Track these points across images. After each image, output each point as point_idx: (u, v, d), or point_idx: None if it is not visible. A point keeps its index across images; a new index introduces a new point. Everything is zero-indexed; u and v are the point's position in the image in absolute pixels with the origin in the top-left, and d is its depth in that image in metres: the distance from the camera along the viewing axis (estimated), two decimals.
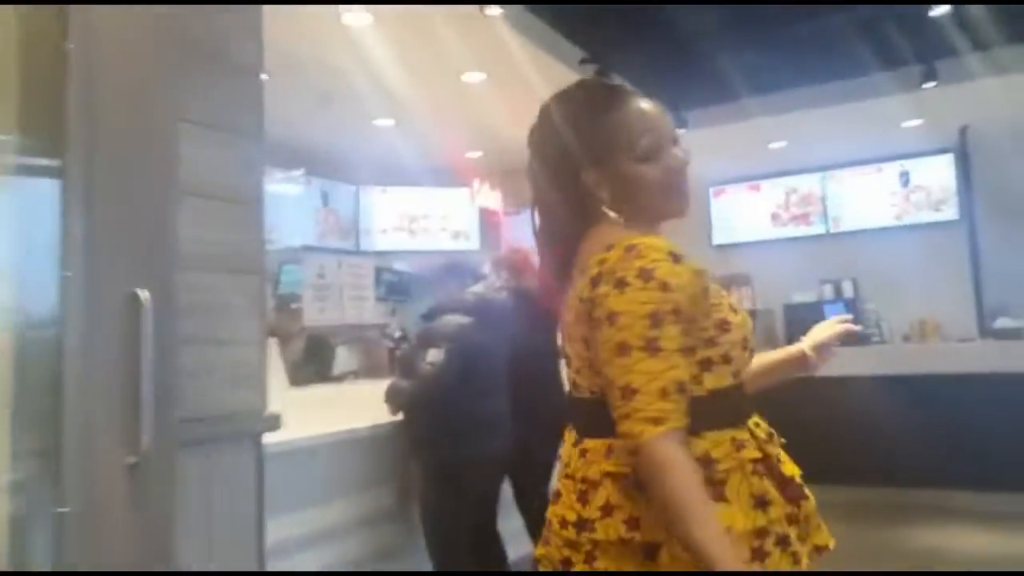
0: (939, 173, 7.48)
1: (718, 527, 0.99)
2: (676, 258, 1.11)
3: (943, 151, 7.35)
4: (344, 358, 4.02)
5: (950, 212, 7.41)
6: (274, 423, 2.10)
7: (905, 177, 7.62)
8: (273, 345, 3.37)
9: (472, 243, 7.98)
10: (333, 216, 7.42)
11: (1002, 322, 5.55)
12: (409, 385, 2.91)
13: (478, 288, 3.03)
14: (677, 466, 0.99)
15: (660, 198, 1.22)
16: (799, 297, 7.76)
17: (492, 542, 3.19)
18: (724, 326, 1.15)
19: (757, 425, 1.19)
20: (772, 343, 7.85)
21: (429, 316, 3.06)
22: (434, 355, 2.84)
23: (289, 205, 6.94)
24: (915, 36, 4.83)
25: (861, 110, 6.17)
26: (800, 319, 7.63)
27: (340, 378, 4.07)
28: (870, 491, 5.31)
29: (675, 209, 1.24)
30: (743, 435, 1.14)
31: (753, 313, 7.82)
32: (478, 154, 7.15)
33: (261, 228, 2.21)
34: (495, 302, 3.00)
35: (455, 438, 2.86)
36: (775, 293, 7.87)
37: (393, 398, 2.97)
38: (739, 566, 0.98)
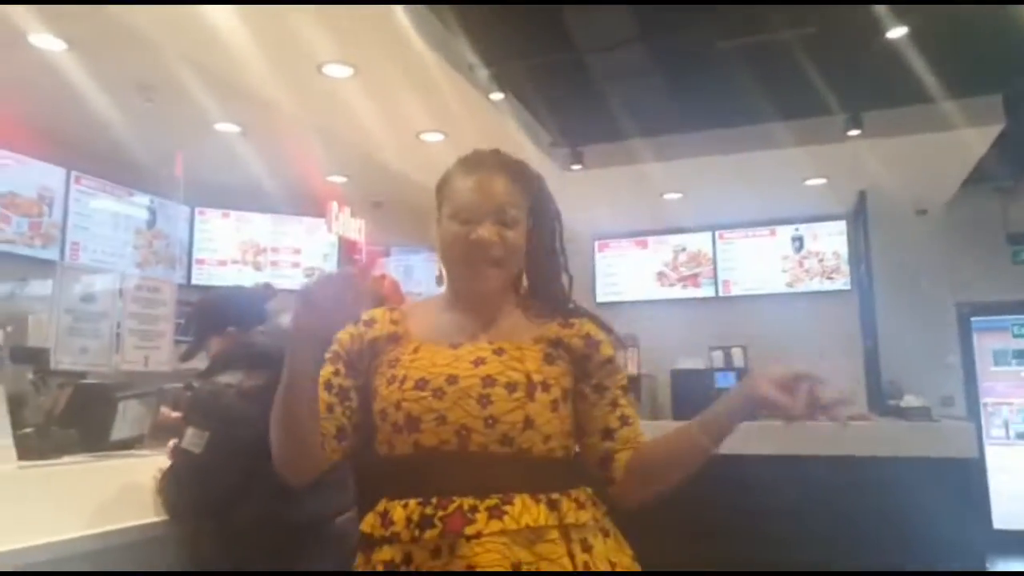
0: (832, 239, 7.18)
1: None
2: (357, 323, 1.29)
3: (837, 217, 7.05)
4: (130, 419, 2.89)
5: (842, 281, 7.09)
6: None
7: (798, 242, 7.27)
8: None
9: None
10: (160, 241, 6.18)
11: (908, 400, 5.09)
12: (161, 480, 1.92)
13: (283, 322, 2.05)
14: None
15: (452, 261, 1.27)
16: (687, 363, 7.18)
17: None
18: (373, 395, 1.23)
19: (404, 505, 1.16)
20: (657, 412, 7.23)
21: (204, 375, 2.07)
22: (191, 437, 1.85)
23: (103, 222, 5.69)
24: (843, 80, 4.37)
25: (761, 162, 5.71)
26: (687, 386, 7.05)
27: (124, 445, 2.93)
28: None
29: (462, 276, 1.27)
30: (391, 508, 1.17)
31: (637, 378, 7.18)
32: (342, 179, 6.17)
33: None
34: None
35: (241, 562, 1.86)
36: (661, 357, 7.24)
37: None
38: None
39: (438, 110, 4.46)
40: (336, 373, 1.28)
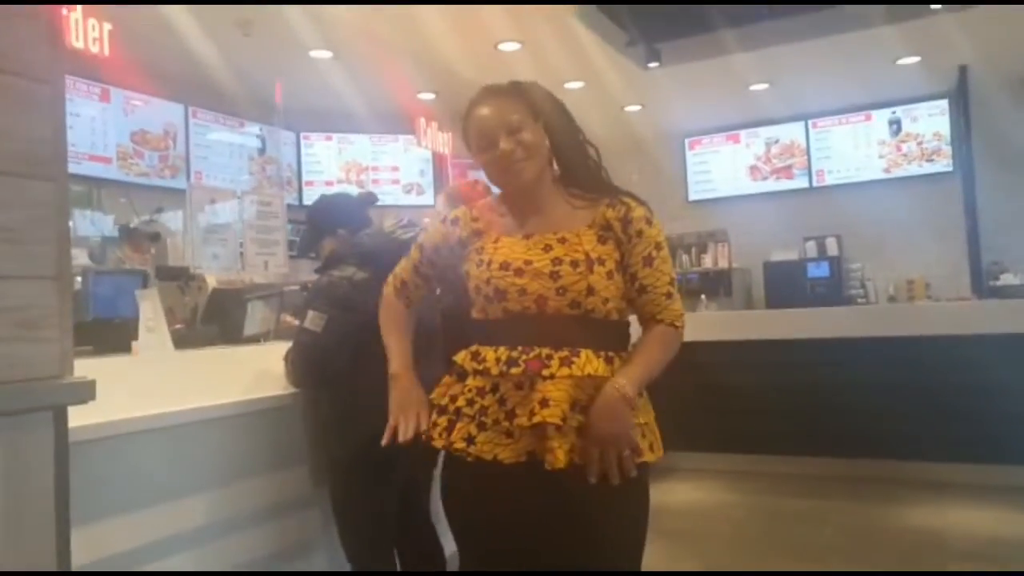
0: (933, 120, 6.94)
1: (393, 342, 1.68)
2: (444, 221, 1.65)
3: (938, 96, 6.79)
4: (258, 318, 3.36)
5: (943, 163, 6.88)
6: (83, 392, 1.45)
7: (896, 125, 7.06)
8: (152, 296, 2.72)
9: (427, 198, 7.32)
10: (272, 166, 6.71)
11: (1006, 279, 5.03)
12: (287, 355, 2.29)
13: (385, 226, 2.36)
14: (383, 305, 1.73)
15: (495, 178, 1.56)
16: (780, 255, 7.22)
17: (422, 536, 2.59)
18: (467, 275, 1.57)
19: (495, 350, 1.49)
20: (750, 303, 7.35)
21: (321, 269, 2.42)
22: (312, 319, 2.21)
23: (221, 152, 6.23)
24: None
25: (851, 44, 5.57)
26: (781, 278, 7.12)
27: (254, 340, 3.41)
28: (860, 463, 4.76)
29: (506, 184, 1.56)
30: (482, 351, 1.52)
31: (728, 271, 7.29)
32: (430, 96, 6.45)
33: (59, 119, 1.52)
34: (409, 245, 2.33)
35: (355, 420, 2.23)
36: (754, 251, 7.31)
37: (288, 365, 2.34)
38: (395, 368, 1.63)
39: (512, 20, 4.64)
40: (421, 263, 1.68)
